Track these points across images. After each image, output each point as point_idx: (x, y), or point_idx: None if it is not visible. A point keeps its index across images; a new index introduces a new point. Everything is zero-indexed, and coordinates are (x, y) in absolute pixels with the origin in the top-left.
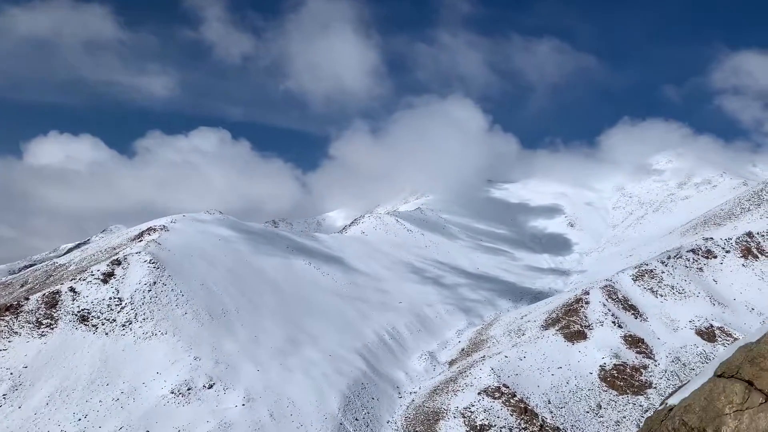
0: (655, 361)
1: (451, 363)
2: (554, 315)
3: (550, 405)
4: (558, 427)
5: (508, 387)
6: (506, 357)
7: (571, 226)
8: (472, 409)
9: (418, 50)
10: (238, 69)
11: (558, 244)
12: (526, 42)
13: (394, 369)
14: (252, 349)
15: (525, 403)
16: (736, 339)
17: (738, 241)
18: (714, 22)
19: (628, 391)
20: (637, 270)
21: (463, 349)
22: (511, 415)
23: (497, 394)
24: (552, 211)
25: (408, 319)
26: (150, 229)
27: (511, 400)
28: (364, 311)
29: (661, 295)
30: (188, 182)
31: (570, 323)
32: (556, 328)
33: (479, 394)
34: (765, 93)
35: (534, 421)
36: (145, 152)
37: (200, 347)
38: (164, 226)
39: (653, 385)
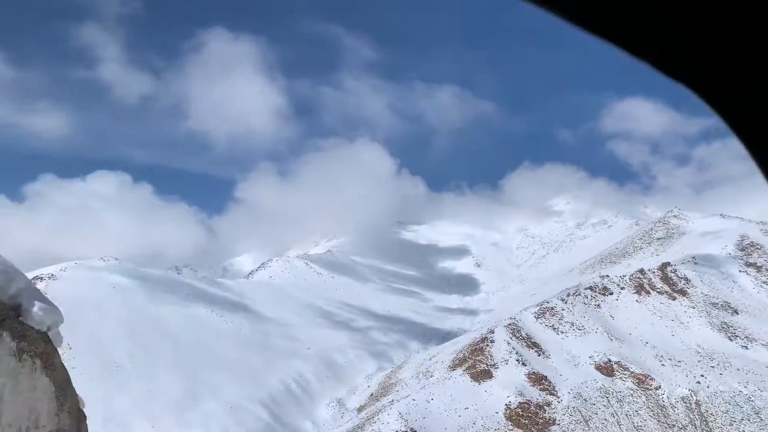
0: (558, 397)
1: (360, 409)
2: (461, 355)
3: None
4: None
5: (415, 431)
6: (414, 400)
7: (478, 266)
8: None
9: (324, 93)
10: (138, 110)
11: (466, 284)
12: (428, 88)
13: (301, 418)
14: (146, 404)
15: None
16: (632, 373)
17: (632, 278)
18: (603, 71)
19: (533, 428)
20: (539, 308)
21: (372, 394)
22: None
23: None
24: (460, 251)
25: (316, 366)
26: (36, 278)
27: None
28: (269, 359)
29: (562, 332)
30: (85, 227)
31: (476, 363)
32: (463, 368)
33: None
34: (650, 137)
35: None
36: (36, 197)
37: (89, 405)
38: (52, 275)
39: (556, 422)
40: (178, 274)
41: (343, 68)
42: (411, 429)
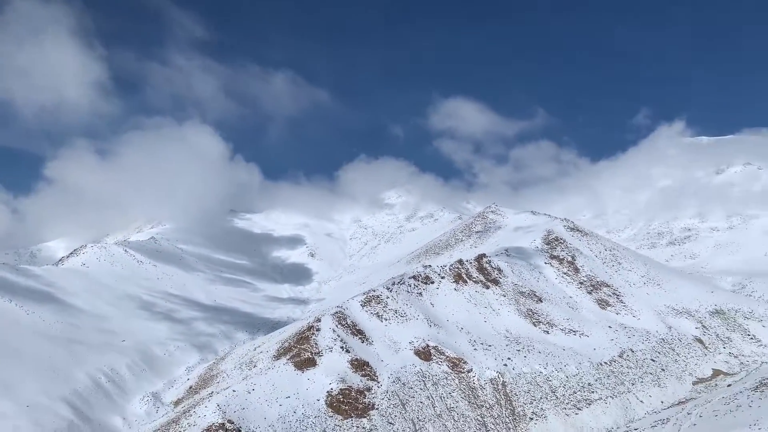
0: (378, 382)
1: (177, 402)
2: (286, 344)
3: None
4: None
5: (233, 422)
6: (234, 391)
7: (312, 256)
8: None
9: (150, 69)
10: None
11: (299, 274)
12: (263, 72)
13: (110, 414)
14: None
15: None
16: (447, 357)
17: (451, 268)
18: (430, 70)
19: (352, 414)
20: (365, 296)
21: (191, 387)
22: None
23: None
24: (294, 241)
25: (132, 359)
26: None
27: None
28: (78, 353)
29: (386, 319)
30: None
31: (301, 351)
32: (288, 357)
33: None
34: (472, 137)
35: None
36: None
37: None
38: None
39: (375, 406)
40: None
41: (172, 44)
42: (229, 421)
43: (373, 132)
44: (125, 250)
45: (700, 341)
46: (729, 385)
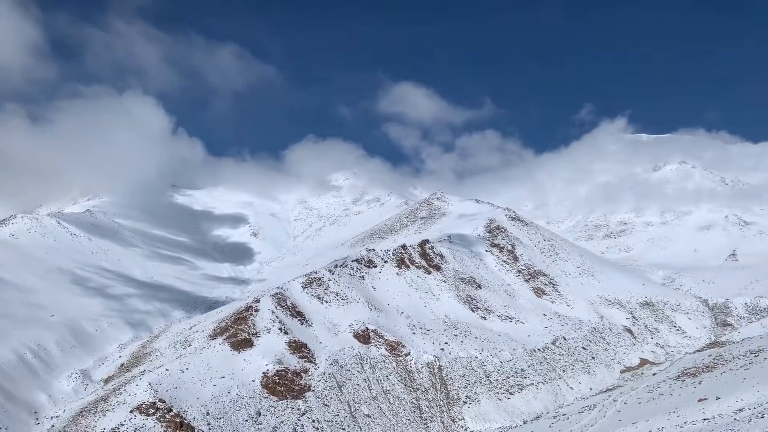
0: (316, 364)
1: (107, 380)
2: (223, 324)
3: (208, 417)
4: None
5: (164, 402)
6: (167, 370)
7: (255, 235)
8: (121, 429)
9: (88, 34)
10: None
11: (240, 253)
12: (208, 44)
13: (35, 391)
14: None
15: (181, 417)
16: (386, 341)
17: (395, 252)
18: (380, 53)
19: (288, 395)
20: (306, 278)
21: (122, 365)
22: (165, 431)
23: (152, 411)
24: (237, 220)
25: (61, 335)
26: None
27: (167, 416)
28: (1, 327)
29: (327, 302)
30: None
31: (238, 331)
32: (224, 337)
33: (131, 412)
34: (421, 123)
35: None
36: None
37: None
38: None
39: (312, 388)
40: None
41: (112, 8)
42: (160, 400)
43: (321, 112)
44: (58, 222)
45: (630, 331)
46: (654, 374)
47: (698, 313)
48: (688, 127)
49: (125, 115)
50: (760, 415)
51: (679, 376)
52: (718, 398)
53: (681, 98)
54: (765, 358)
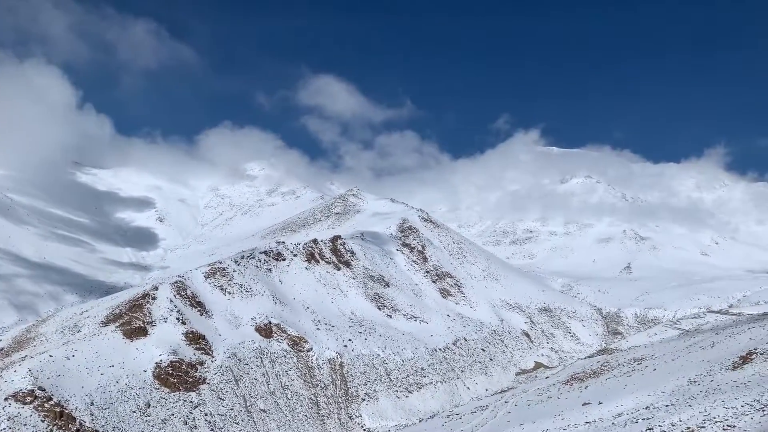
0: (213, 357)
1: None
2: (117, 311)
3: (92, 407)
4: (97, 431)
5: (44, 390)
6: (51, 356)
7: (161, 221)
8: None
9: None
10: None
11: (144, 239)
12: (121, 17)
13: None
14: None
15: (62, 406)
16: (289, 335)
17: (305, 246)
18: (301, 43)
19: (180, 387)
20: (210, 267)
21: (2, 350)
22: (43, 422)
23: (29, 399)
24: (143, 203)
25: None
26: None
27: (46, 405)
28: None
29: (230, 293)
30: None
31: (132, 319)
32: (117, 324)
33: (6, 399)
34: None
35: (70, 425)
36: None
37: None
38: None
39: (207, 381)
40: None
41: None
42: (39, 388)
43: (238, 99)
44: None
45: (527, 335)
46: (547, 377)
47: (592, 321)
48: (596, 143)
49: (26, 84)
50: (634, 420)
51: (568, 380)
52: (600, 403)
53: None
54: (646, 366)
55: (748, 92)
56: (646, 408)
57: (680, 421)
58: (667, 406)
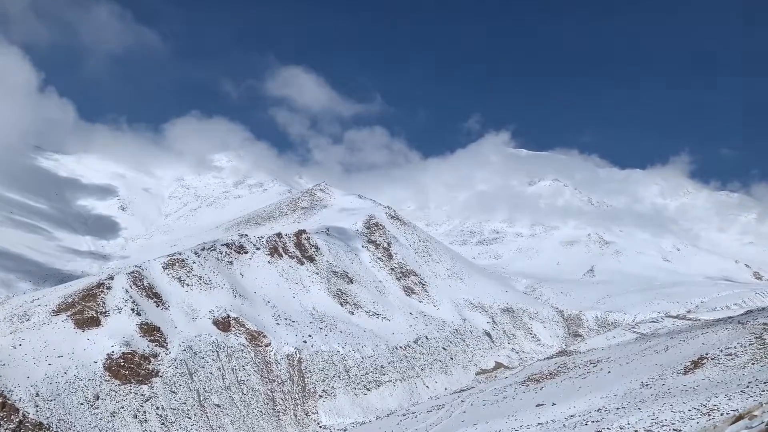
0: (167, 349)
1: None
2: (70, 300)
3: (38, 398)
4: (42, 423)
5: None
6: None
7: (123, 209)
8: None
9: None
10: None
11: (105, 227)
12: None
13: None
14: None
15: (5, 397)
16: (248, 330)
17: (269, 240)
18: (270, 32)
19: (132, 380)
20: (169, 258)
21: None
22: None
23: None
24: (105, 191)
25: None
26: None
27: None
28: None
29: (188, 285)
30: None
31: (85, 309)
32: (69, 313)
33: None
34: (309, 111)
35: (12, 417)
36: None
37: None
38: None
39: (160, 374)
40: None
41: None
42: None
43: (205, 87)
44: None
45: (489, 335)
46: (506, 377)
47: (553, 323)
48: (564, 147)
49: None
50: (584, 422)
51: (524, 381)
52: (554, 404)
53: (561, 119)
54: (601, 369)
55: (713, 101)
56: (598, 410)
57: (628, 424)
58: (617, 408)
